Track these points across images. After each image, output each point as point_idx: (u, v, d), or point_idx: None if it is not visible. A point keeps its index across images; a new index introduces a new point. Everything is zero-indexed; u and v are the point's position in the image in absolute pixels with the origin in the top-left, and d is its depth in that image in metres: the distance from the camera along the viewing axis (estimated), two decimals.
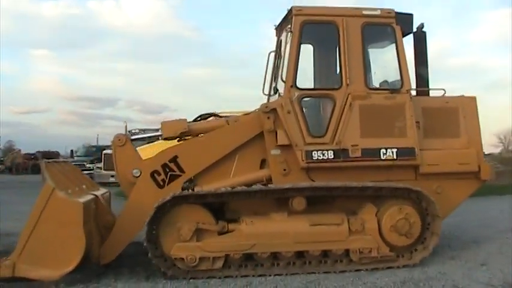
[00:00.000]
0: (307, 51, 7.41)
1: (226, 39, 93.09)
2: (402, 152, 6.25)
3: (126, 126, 24.64)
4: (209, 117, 7.02)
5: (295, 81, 6.27)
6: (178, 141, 6.55)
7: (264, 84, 7.48)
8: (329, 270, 5.88)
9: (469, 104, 6.84)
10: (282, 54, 7.11)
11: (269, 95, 7.46)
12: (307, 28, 6.36)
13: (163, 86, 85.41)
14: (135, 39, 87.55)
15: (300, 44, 6.33)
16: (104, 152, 24.51)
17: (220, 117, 6.98)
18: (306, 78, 7.02)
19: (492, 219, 9.95)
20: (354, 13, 6.43)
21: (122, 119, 79.82)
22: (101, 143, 40.06)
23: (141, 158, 6.54)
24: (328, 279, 5.60)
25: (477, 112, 6.89)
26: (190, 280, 5.62)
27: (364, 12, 6.45)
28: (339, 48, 6.40)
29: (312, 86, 7.14)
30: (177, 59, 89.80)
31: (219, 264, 5.74)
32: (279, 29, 7.34)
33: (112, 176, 23.67)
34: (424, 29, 6.94)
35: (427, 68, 6.94)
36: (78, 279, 5.61)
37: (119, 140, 6.39)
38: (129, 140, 6.51)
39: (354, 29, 6.36)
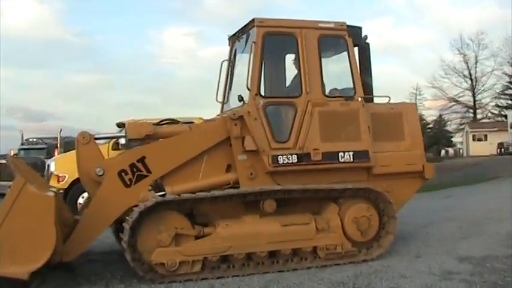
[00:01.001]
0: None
1: (111, 45, 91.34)
2: (358, 155, 6.91)
3: (22, 135, 23.70)
4: (169, 123, 7.28)
5: (259, 90, 6.73)
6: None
7: (217, 92, 7.92)
8: (297, 267, 6.37)
9: (411, 109, 7.71)
10: (236, 63, 7.61)
11: (223, 103, 7.90)
12: (268, 39, 6.84)
13: (46, 93, 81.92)
14: (16, 44, 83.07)
15: (263, 54, 6.80)
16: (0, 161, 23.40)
17: (178, 122, 7.32)
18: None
19: (408, 216, 11.00)
20: (311, 25, 7.02)
21: (4, 127, 75.34)
22: None
23: (104, 157, 6.69)
24: (284, 277, 6.03)
25: (418, 117, 7.79)
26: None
27: (320, 25, 7.06)
28: (298, 58, 6.95)
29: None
30: (61, 65, 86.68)
31: (198, 267, 6.02)
32: (232, 38, 7.78)
33: (10, 187, 22.75)
34: (367, 41, 7.73)
35: (371, 76, 7.70)
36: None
37: (83, 137, 6.50)
38: (93, 138, 6.64)
39: (311, 40, 6.95)
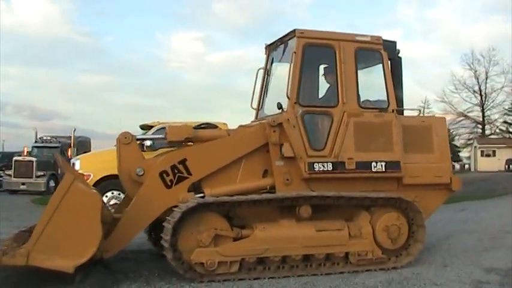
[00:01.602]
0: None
1: (121, 47, 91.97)
2: (390, 165, 7.15)
3: (36, 133, 24.07)
4: (206, 127, 7.54)
5: (299, 98, 6.99)
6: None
7: (252, 99, 8.19)
8: (330, 272, 6.60)
9: (440, 123, 7.96)
10: (273, 71, 7.88)
11: (258, 109, 8.16)
12: (307, 50, 7.10)
13: (54, 92, 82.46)
14: (26, 42, 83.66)
15: (303, 63, 7.06)
16: (15, 158, 23.74)
17: (216, 127, 7.58)
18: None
19: (429, 227, 11.21)
20: (348, 38, 7.28)
21: (11, 124, 75.83)
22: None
23: (144, 157, 6.94)
24: (320, 280, 6.27)
25: (446, 130, 8.03)
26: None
27: (357, 38, 7.33)
28: (335, 69, 7.20)
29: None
30: (70, 65, 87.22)
31: (235, 268, 6.25)
32: (269, 47, 8.05)
33: (23, 184, 23.11)
34: (399, 55, 7.98)
35: (402, 89, 7.95)
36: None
37: (125, 138, 6.78)
38: (135, 139, 6.90)
39: (349, 52, 7.20)
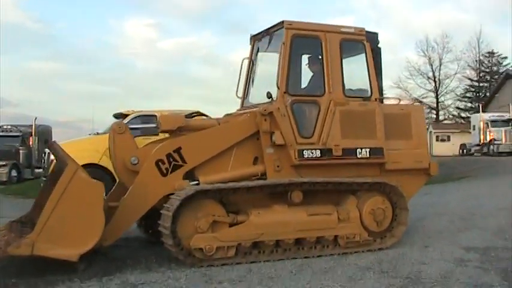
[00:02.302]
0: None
1: (72, 33, 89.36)
2: (373, 151, 7.51)
3: (35, 120, 23.60)
4: (196, 115, 7.73)
5: (288, 88, 7.25)
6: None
7: (237, 88, 8.41)
8: (320, 254, 6.93)
9: (418, 111, 8.40)
10: (258, 61, 8.12)
11: (243, 98, 8.38)
12: (295, 41, 7.35)
13: (3, 79, 79.76)
14: None
15: (291, 54, 7.31)
16: None
17: (206, 116, 7.78)
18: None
19: None
20: (334, 30, 7.57)
21: None
22: None
23: (138, 146, 7.10)
24: (313, 262, 6.61)
25: (424, 118, 8.47)
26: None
27: (342, 30, 7.63)
28: (322, 59, 7.49)
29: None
30: (20, 51, 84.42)
31: (232, 252, 6.50)
32: (255, 38, 8.27)
33: None
34: (379, 45, 8.34)
35: (381, 79, 8.32)
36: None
37: (119, 127, 6.94)
38: (128, 128, 7.04)
39: (334, 43, 7.50)
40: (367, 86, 7.76)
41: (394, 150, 7.74)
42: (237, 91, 8.39)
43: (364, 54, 7.76)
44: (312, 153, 7.18)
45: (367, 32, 7.81)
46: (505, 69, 56.47)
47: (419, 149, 8.08)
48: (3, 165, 22.30)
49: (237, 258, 6.53)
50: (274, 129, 7.05)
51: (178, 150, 6.78)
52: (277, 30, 7.59)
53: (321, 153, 7.21)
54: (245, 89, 8.41)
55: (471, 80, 58.99)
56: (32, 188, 18.37)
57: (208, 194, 6.50)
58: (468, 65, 57.62)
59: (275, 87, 7.43)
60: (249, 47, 8.39)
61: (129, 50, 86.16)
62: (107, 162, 10.20)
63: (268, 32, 7.85)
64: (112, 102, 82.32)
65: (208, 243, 6.35)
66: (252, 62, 8.34)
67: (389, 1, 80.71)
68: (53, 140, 7.11)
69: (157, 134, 7.66)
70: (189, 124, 7.24)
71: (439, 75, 57.19)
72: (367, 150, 7.46)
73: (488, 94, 55.38)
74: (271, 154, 7.13)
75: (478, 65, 58.21)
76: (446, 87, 58.18)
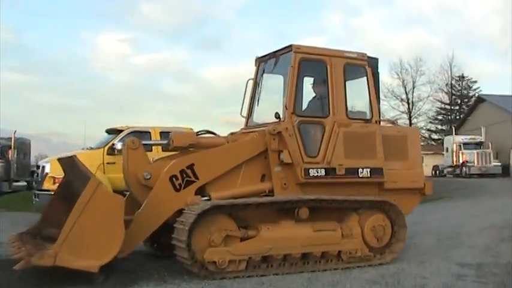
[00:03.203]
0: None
1: (44, 45, 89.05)
2: (374, 171, 7.92)
3: (14, 133, 23.43)
4: (205, 133, 8.04)
5: (295, 109, 7.62)
6: None
7: (242, 107, 8.78)
8: (325, 268, 7.26)
9: (414, 133, 8.91)
10: (263, 82, 8.51)
11: (247, 118, 8.73)
12: (302, 64, 7.75)
13: None
14: None
15: (299, 76, 7.70)
16: None
17: (214, 133, 8.10)
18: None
19: None
20: (338, 54, 8.00)
21: None
22: None
23: (150, 162, 7.36)
24: (321, 276, 6.94)
25: (419, 140, 8.94)
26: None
27: (346, 54, 8.07)
28: (327, 82, 7.90)
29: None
30: None
31: (243, 266, 6.77)
32: (260, 59, 8.65)
33: None
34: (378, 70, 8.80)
35: (379, 102, 8.77)
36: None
37: (133, 143, 7.22)
38: (142, 144, 7.31)
39: (339, 67, 7.92)
40: (367, 109, 8.18)
41: (392, 170, 8.16)
42: (241, 111, 8.74)
43: (365, 78, 8.19)
44: (318, 172, 7.54)
45: (368, 57, 8.26)
46: (474, 92, 58.30)
47: (415, 169, 8.54)
48: None
49: (247, 272, 6.80)
50: (282, 148, 7.40)
51: (191, 167, 7.06)
52: (284, 53, 7.98)
53: (325, 172, 7.59)
54: (249, 109, 8.76)
55: (443, 102, 60.55)
56: (13, 201, 18.34)
57: (222, 209, 6.79)
58: (439, 88, 59.21)
59: (280, 108, 7.83)
60: (254, 68, 8.76)
61: (102, 63, 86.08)
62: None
63: (275, 55, 8.24)
64: (83, 116, 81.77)
65: (221, 256, 6.61)
66: (256, 83, 8.69)
67: (360, 22, 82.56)
68: (74, 154, 7.30)
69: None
70: (199, 142, 7.55)
71: (412, 97, 58.64)
72: (368, 170, 7.87)
73: (458, 117, 56.94)
74: (278, 172, 7.47)
75: (449, 88, 59.81)
76: (419, 110, 59.64)
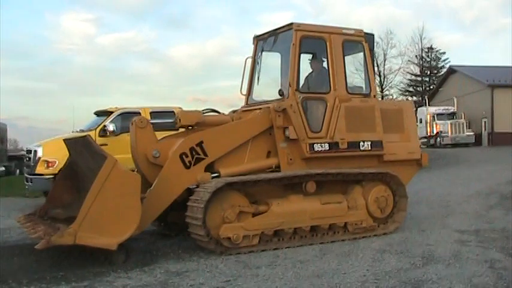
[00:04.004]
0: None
1: (5, 27, 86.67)
2: (374, 144, 8.19)
3: None
4: (210, 112, 8.18)
5: (298, 86, 7.80)
6: None
7: (241, 86, 8.91)
8: (333, 240, 7.54)
9: (409, 106, 9.16)
10: (262, 60, 8.65)
11: (247, 96, 8.88)
12: (303, 42, 7.91)
13: None
14: None
15: (300, 53, 7.86)
16: None
17: (219, 112, 8.24)
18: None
19: None
20: (337, 31, 8.17)
21: None
22: None
23: (158, 140, 7.48)
24: (331, 247, 7.23)
25: (414, 113, 9.24)
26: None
27: (344, 31, 8.25)
28: (327, 59, 8.09)
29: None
30: None
31: (256, 240, 6.99)
32: (258, 38, 8.77)
33: None
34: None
35: (374, 76, 9.01)
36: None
37: (141, 122, 7.32)
38: (149, 123, 7.41)
39: (338, 44, 8.11)
40: (365, 83, 8.42)
41: (390, 143, 8.44)
42: (241, 89, 8.88)
43: (363, 54, 8.40)
44: (322, 146, 7.77)
45: (365, 33, 8.46)
46: (443, 64, 59.21)
47: (411, 142, 8.84)
48: None
49: (260, 246, 7.02)
50: (287, 125, 7.58)
51: (200, 144, 7.20)
52: (284, 31, 8.11)
53: (329, 146, 7.82)
54: (249, 87, 8.90)
55: (414, 74, 61.36)
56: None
57: (234, 186, 6.96)
58: (409, 60, 59.91)
59: (278, 85, 8.01)
60: (252, 47, 8.86)
61: (66, 45, 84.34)
62: None
63: (274, 33, 8.36)
64: (48, 99, 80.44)
65: (236, 232, 6.81)
66: (255, 61, 8.82)
67: None
68: (87, 134, 7.35)
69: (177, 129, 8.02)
70: (205, 120, 7.68)
71: (384, 70, 59.24)
72: (369, 143, 8.13)
73: (428, 88, 57.85)
74: (284, 148, 7.67)
75: (420, 60, 60.58)
76: (390, 82, 60.32)
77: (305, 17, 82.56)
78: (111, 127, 12.20)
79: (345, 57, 8.38)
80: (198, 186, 6.97)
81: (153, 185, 6.99)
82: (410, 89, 63.66)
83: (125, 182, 6.22)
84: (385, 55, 58.03)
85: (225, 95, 69.88)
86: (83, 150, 7.01)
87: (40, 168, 11.95)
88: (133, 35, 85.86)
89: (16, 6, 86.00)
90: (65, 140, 7.81)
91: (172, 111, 13.06)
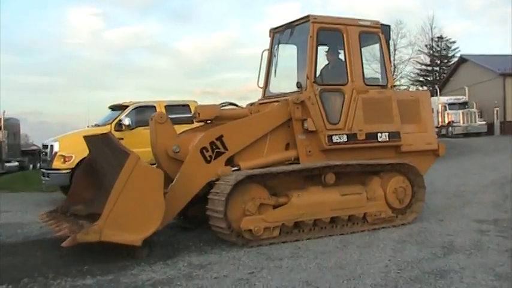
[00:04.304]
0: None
1: (13, 24, 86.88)
2: (392, 135, 8.21)
3: (3, 113, 23.28)
4: (228, 105, 8.24)
5: (316, 78, 7.83)
6: None
7: (258, 78, 8.96)
8: (352, 231, 7.59)
9: (425, 96, 9.18)
10: (279, 53, 8.68)
11: (264, 88, 8.93)
12: (320, 34, 7.93)
13: None
14: None
15: (317, 46, 7.89)
16: None
17: (237, 105, 8.29)
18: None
19: None
20: (353, 23, 8.18)
21: None
22: None
23: (177, 135, 7.56)
24: (351, 238, 7.29)
25: (430, 103, 9.25)
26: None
27: (360, 23, 8.26)
28: (344, 51, 8.11)
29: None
30: None
31: (276, 232, 7.05)
32: (274, 31, 8.81)
33: None
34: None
35: (390, 67, 9.03)
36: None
37: (161, 117, 7.40)
38: (169, 118, 7.48)
39: (354, 36, 8.12)
40: (382, 74, 8.43)
41: (407, 134, 8.46)
42: (258, 81, 8.93)
43: (379, 45, 8.41)
44: (340, 138, 7.82)
45: (381, 24, 8.46)
46: (453, 53, 58.80)
47: (428, 132, 8.86)
48: None
49: (280, 238, 7.08)
50: (306, 117, 7.63)
51: (220, 138, 7.25)
52: (300, 23, 8.14)
53: (347, 138, 7.86)
54: (266, 80, 8.94)
55: (424, 64, 60.97)
56: (13, 181, 18.34)
57: (254, 178, 7.02)
58: (419, 50, 59.52)
59: (296, 78, 8.04)
60: (269, 40, 8.90)
61: (74, 40, 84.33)
62: None
63: (291, 25, 8.39)
64: (57, 94, 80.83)
65: (257, 224, 6.87)
66: (272, 54, 8.86)
67: None
68: (108, 131, 7.43)
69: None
70: (224, 114, 7.75)
71: (394, 60, 58.84)
72: (387, 134, 8.16)
73: (439, 78, 57.50)
74: (303, 140, 7.72)
75: (430, 50, 60.19)
76: (401, 72, 60.00)
77: (312, 7, 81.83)
78: (126, 121, 12.30)
79: (363, 49, 8.41)
80: (218, 180, 7.02)
81: (175, 180, 7.05)
82: (421, 78, 63.22)
83: (148, 178, 6.28)
84: (395, 45, 57.59)
85: (233, 88, 69.85)
86: (103, 147, 7.08)
87: (57, 163, 12.07)
88: (140, 29, 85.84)
89: (23, 2, 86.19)
90: (84, 137, 7.90)
91: (187, 105, 13.20)
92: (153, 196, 6.29)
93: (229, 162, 7.42)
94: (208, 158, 7.18)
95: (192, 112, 8.26)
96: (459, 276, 5.29)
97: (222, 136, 7.27)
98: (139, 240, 6.19)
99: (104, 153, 7.18)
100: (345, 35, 8.05)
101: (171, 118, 7.82)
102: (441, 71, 60.81)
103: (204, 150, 7.17)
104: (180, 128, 8.25)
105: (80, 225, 6.61)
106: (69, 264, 6.23)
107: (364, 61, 8.38)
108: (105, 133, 7.06)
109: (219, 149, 7.24)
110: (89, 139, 7.83)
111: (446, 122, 36.65)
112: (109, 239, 6.02)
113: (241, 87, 70.47)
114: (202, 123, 7.96)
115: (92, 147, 7.85)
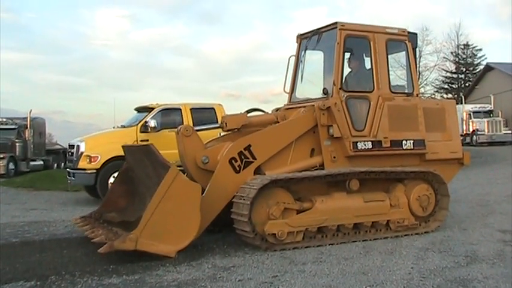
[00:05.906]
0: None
1: (42, 23, 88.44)
2: (417, 143, 8.27)
3: (30, 112, 23.82)
4: (253, 111, 8.37)
5: (342, 84, 7.93)
6: None
7: (284, 84, 9.08)
8: (375, 237, 7.65)
9: (451, 105, 9.20)
10: (306, 59, 8.79)
11: (290, 93, 9.05)
12: (347, 41, 8.03)
13: None
14: None
15: (344, 52, 7.99)
16: None
17: (263, 111, 8.41)
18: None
19: None
20: (381, 30, 8.27)
21: None
22: None
23: (205, 146, 7.71)
24: (374, 244, 7.34)
25: (456, 111, 9.27)
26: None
27: (387, 30, 8.34)
28: (371, 58, 8.19)
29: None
30: None
31: (300, 237, 7.15)
32: (301, 37, 8.93)
33: None
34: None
35: (416, 75, 9.07)
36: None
37: (186, 130, 7.53)
38: (195, 130, 7.64)
39: (381, 43, 8.20)
40: (408, 82, 8.49)
41: (432, 142, 8.51)
42: (284, 87, 9.05)
43: (405, 53, 8.48)
44: (365, 144, 7.90)
45: (408, 32, 8.53)
46: (479, 61, 58.22)
47: (453, 140, 8.89)
48: (1, 158, 22.37)
49: (304, 243, 7.18)
50: (331, 123, 7.72)
51: (248, 148, 7.38)
52: (328, 30, 8.24)
53: (372, 144, 7.93)
54: (292, 85, 9.06)
55: (449, 72, 60.45)
56: (38, 180, 18.70)
57: (279, 183, 7.13)
58: (444, 57, 59.03)
59: (322, 84, 8.14)
60: (296, 46, 9.02)
61: (101, 40, 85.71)
62: None
63: (318, 32, 8.50)
64: (83, 94, 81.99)
65: (281, 228, 6.98)
66: (299, 60, 8.97)
67: None
68: (150, 143, 7.60)
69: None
70: (251, 121, 7.90)
71: (419, 67, 58.45)
72: (411, 142, 8.21)
73: (464, 85, 56.98)
74: (328, 146, 7.82)
75: (456, 57, 59.68)
76: (426, 79, 59.58)
77: (339, 13, 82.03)
78: (152, 123, 12.51)
79: (389, 57, 8.49)
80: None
81: (206, 191, 7.13)
82: (446, 86, 62.67)
83: (186, 192, 6.47)
84: (420, 52, 57.21)
85: (257, 91, 70.03)
86: (143, 158, 7.26)
87: (82, 163, 12.33)
88: (167, 30, 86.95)
89: (52, 3, 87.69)
90: (123, 146, 8.11)
91: (213, 108, 13.37)
92: (190, 209, 6.46)
93: (257, 171, 7.53)
94: (238, 168, 7.31)
95: (217, 116, 8.39)
96: (482, 286, 5.33)
97: (250, 146, 7.39)
98: (173, 251, 6.39)
99: (143, 164, 7.36)
100: (372, 43, 8.14)
101: (196, 130, 7.97)
102: (466, 78, 60.22)
103: (233, 161, 7.29)
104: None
105: (115, 233, 6.87)
106: (95, 262, 6.40)
107: (389, 68, 8.43)
108: (147, 144, 7.29)
109: (248, 158, 7.36)
110: (128, 148, 8.04)
111: (471, 130, 36.32)
112: (144, 248, 6.22)
113: (265, 90, 70.65)
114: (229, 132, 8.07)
115: (130, 156, 8.05)
